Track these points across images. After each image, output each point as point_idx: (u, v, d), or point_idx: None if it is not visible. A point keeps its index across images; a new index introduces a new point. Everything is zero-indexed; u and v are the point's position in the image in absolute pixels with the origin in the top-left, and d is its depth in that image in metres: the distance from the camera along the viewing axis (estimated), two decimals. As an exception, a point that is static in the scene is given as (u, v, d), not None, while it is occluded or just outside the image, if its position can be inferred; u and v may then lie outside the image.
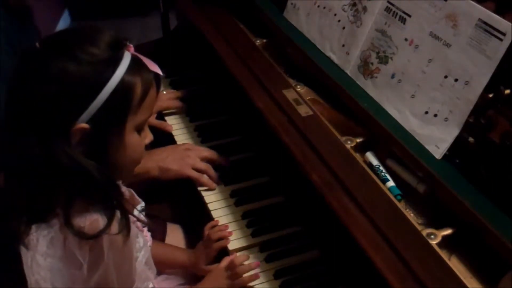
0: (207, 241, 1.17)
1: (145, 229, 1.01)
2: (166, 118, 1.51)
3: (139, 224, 0.97)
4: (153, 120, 1.48)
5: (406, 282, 0.84)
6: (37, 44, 0.82)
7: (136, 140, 0.86)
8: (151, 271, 1.04)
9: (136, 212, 0.98)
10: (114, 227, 0.81)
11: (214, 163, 1.33)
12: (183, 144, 1.39)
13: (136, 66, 0.83)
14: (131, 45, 0.85)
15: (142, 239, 0.97)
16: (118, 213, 0.83)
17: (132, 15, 3.44)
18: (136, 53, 0.85)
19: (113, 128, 0.82)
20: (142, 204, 1.04)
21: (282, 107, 1.18)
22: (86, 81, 0.78)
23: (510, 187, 0.88)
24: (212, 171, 1.31)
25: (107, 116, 0.80)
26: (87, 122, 0.79)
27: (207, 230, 1.21)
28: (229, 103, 1.50)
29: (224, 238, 1.17)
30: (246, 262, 1.12)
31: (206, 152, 1.33)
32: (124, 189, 1.02)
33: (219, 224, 1.21)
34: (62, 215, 0.80)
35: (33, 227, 0.83)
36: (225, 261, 1.11)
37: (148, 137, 0.90)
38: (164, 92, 1.57)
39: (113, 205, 0.82)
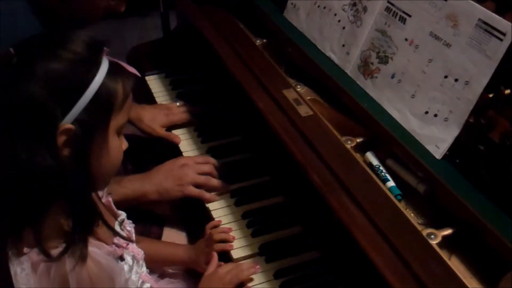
0: (208, 240, 1.17)
1: (130, 243, 0.98)
2: (174, 130, 1.48)
3: (118, 249, 0.93)
4: (161, 131, 1.46)
5: (406, 282, 0.83)
6: (10, 49, 0.80)
7: (117, 144, 0.87)
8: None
9: (117, 227, 0.96)
10: (69, 259, 0.80)
11: (212, 175, 1.30)
12: (179, 159, 1.32)
13: (115, 69, 0.83)
14: (107, 49, 0.85)
15: (128, 256, 0.96)
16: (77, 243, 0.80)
17: (132, 15, 3.43)
18: (112, 58, 0.85)
19: (98, 129, 0.82)
20: (123, 216, 1.03)
21: (282, 107, 1.18)
22: (71, 80, 0.79)
23: (510, 187, 0.88)
24: (213, 182, 1.28)
25: (92, 116, 0.80)
26: (72, 123, 0.79)
27: (208, 229, 1.20)
28: (229, 103, 1.50)
29: (227, 241, 1.16)
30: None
31: (204, 167, 1.30)
32: (104, 200, 1.01)
33: (221, 224, 1.21)
34: (32, 233, 0.80)
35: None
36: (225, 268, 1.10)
37: (125, 143, 0.91)
38: (178, 104, 1.53)
39: (76, 231, 0.81)
